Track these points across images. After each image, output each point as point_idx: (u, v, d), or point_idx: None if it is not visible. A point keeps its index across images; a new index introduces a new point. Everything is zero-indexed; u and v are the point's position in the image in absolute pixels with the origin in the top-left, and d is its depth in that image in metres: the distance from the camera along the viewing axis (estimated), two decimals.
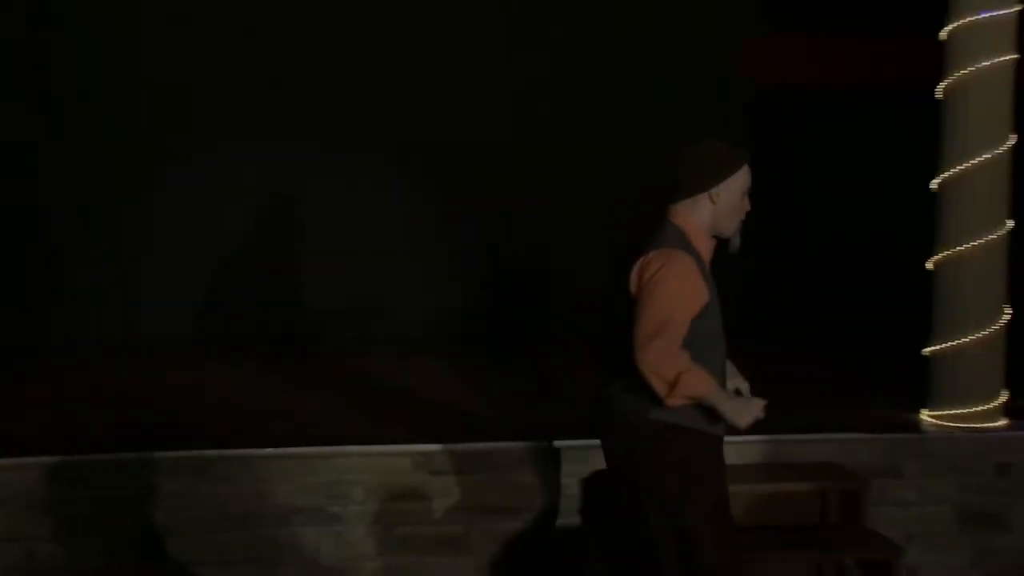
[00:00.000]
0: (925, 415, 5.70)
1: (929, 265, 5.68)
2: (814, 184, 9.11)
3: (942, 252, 5.61)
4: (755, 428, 5.44)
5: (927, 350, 5.69)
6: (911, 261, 5.97)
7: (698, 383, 3.52)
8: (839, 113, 8.89)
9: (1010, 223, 5.55)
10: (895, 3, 8.21)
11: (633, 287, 3.57)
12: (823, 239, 9.06)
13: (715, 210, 3.68)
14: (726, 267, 3.89)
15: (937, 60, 5.62)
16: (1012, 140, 5.51)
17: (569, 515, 5.18)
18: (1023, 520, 5.39)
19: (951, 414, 5.58)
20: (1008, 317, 5.57)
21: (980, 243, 5.50)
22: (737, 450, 5.32)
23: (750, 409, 3.61)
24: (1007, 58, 5.45)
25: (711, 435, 3.68)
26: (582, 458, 5.18)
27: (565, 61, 8.42)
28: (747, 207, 3.74)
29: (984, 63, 5.42)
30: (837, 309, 8.63)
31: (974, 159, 5.48)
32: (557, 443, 5.21)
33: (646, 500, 3.68)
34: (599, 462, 5.12)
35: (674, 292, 3.52)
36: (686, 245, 3.62)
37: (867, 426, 5.54)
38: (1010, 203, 5.57)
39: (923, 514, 5.37)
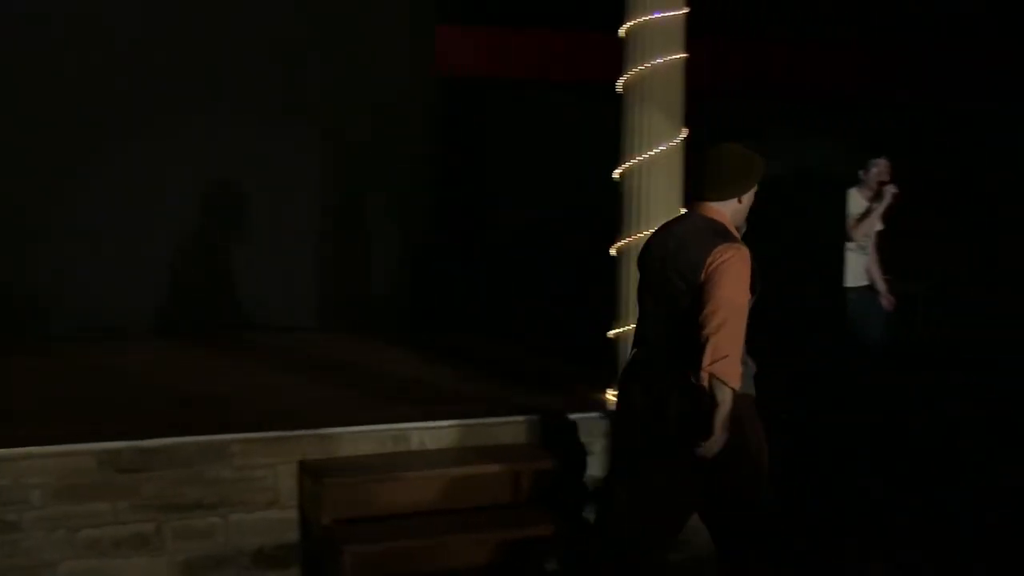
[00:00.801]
0: (611, 395, 5.96)
1: (612, 251, 5.95)
2: (503, 175, 9.38)
3: (623, 239, 5.89)
4: (446, 413, 5.58)
5: (611, 332, 5.95)
6: (597, 247, 6.23)
7: (736, 375, 3.93)
8: (525, 104, 9.17)
9: (683, 211, 5.87)
10: None
11: (702, 275, 4.00)
12: (513, 228, 9.34)
13: (739, 209, 4.24)
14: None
15: (619, 55, 5.89)
16: (684, 133, 5.85)
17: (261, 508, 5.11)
18: None
19: None
20: None
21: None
22: (430, 435, 5.42)
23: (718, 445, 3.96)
24: (678, 56, 5.78)
25: (750, 396, 4.15)
26: (274, 451, 5.12)
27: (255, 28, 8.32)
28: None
29: (659, 60, 5.72)
30: (526, 295, 8.93)
31: (651, 151, 5.78)
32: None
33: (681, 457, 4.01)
34: (299, 451, 5.11)
35: (744, 278, 4.01)
36: (734, 238, 4.14)
37: (557, 407, 5.74)
38: (682, 193, 5.90)
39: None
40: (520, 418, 5.60)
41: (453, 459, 5.37)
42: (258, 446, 5.14)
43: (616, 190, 5.91)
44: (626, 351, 5.84)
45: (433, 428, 5.44)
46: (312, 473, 5.09)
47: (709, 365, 3.90)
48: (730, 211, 4.23)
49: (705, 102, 6.36)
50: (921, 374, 8.84)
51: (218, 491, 5.06)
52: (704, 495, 4.17)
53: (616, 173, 5.91)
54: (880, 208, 8.04)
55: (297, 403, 5.90)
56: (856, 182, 8.12)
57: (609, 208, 5.94)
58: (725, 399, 3.92)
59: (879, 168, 8.03)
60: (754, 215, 4.33)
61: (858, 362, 7.88)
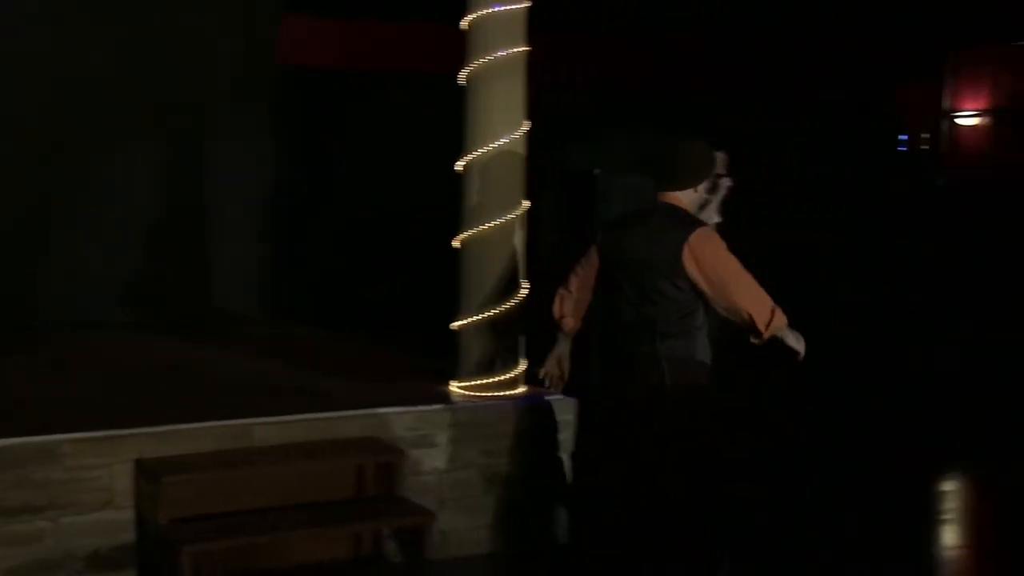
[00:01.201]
0: (454, 386, 5.98)
1: (456, 243, 5.97)
2: (354, 166, 9.31)
3: (467, 231, 5.91)
4: (289, 408, 5.52)
5: (455, 324, 5.97)
6: (444, 240, 6.22)
7: (782, 317, 4.62)
8: (374, 95, 9.12)
9: (526, 203, 5.95)
10: None
11: (687, 264, 4.55)
12: (361, 220, 9.28)
13: (696, 197, 4.86)
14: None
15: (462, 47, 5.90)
16: (526, 126, 5.90)
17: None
18: (537, 478, 5.80)
19: (477, 384, 5.89)
20: (526, 292, 5.97)
21: (500, 222, 5.83)
22: (276, 430, 5.35)
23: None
24: (520, 49, 5.82)
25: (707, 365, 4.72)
26: (109, 451, 4.98)
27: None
28: None
29: (501, 53, 5.75)
30: (373, 287, 8.89)
31: (494, 143, 5.80)
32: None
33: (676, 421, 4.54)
34: (135, 450, 4.97)
35: (727, 249, 4.65)
36: (700, 221, 4.75)
37: (401, 400, 5.72)
38: (525, 185, 5.96)
39: (453, 480, 5.63)
40: (364, 412, 5.56)
41: (296, 454, 5.30)
42: (91, 446, 4.97)
43: (460, 182, 5.93)
44: (471, 342, 5.89)
45: (275, 423, 5.36)
46: (149, 472, 4.96)
47: (766, 330, 4.56)
48: (688, 199, 4.81)
49: (545, 95, 6.43)
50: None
51: (48, 493, 4.88)
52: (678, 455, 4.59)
53: (459, 165, 5.92)
54: (716, 201, 8.24)
55: (134, 400, 5.75)
56: None
57: (457, 200, 5.95)
58: (787, 333, 4.62)
59: (717, 161, 8.23)
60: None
61: None
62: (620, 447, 4.75)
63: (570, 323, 5.08)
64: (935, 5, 11.38)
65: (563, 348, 5.13)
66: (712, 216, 8.28)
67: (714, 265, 4.57)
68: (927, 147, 13.15)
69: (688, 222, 4.67)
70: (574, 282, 5.02)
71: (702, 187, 4.88)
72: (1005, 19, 11.48)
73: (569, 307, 5.05)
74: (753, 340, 4.61)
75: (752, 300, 4.57)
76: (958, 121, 12.65)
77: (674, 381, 4.55)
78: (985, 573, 5.87)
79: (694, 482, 4.61)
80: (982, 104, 12.46)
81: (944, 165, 12.75)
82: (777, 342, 4.63)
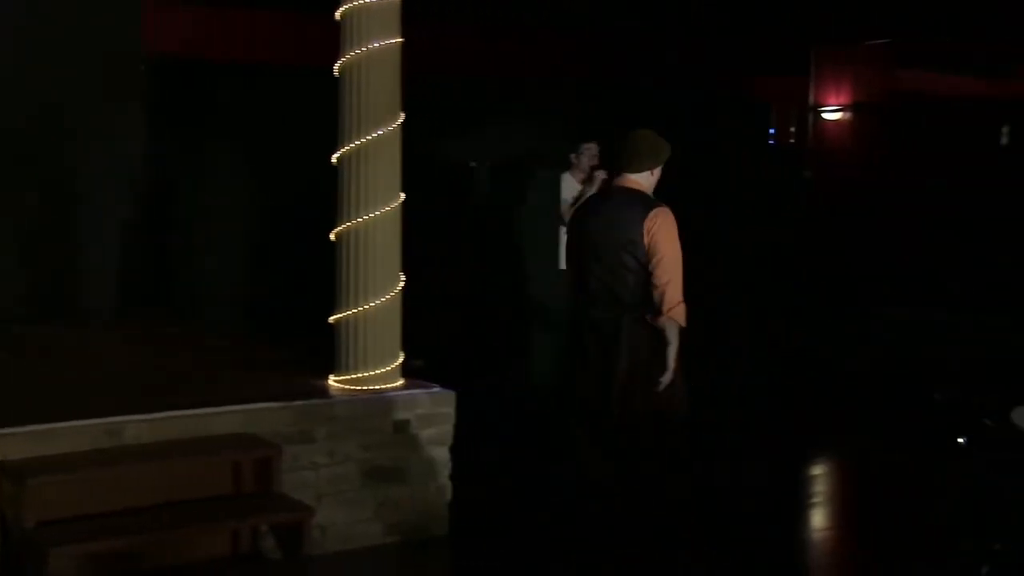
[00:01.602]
0: (333, 381, 5.94)
1: (332, 237, 5.92)
2: (227, 159, 9.14)
3: (344, 224, 5.86)
4: (163, 405, 5.40)
5: (332, 318, 5.92)
6: (323, 233, 6.16)
7: (684, 317, 5.17)
8: (246, 85, 8.96)
9: (402, 195, 5.93)
10: None
11: (648, 235, 5.15)
12: (236, 213, 9.13)
13: (652, 180, 5.39)
14: None
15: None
16: (402, 118, 5.88)
17: None
18: (416, 471, 5.81)
19: (355, 378, 5.86)
20: (403, 284, 5.96)
21: (378, 214, 5.80)
22: (149, 428, 5.24)
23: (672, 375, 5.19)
24: (394, 41, 5.80)
25: None
26: None
27: None
28: None
29: (375, 44, 5.72)
30: (252, 284, 8.76)
31: (370, 135, 5.77)
32: None
33: (638, 381, 5.16)
34: None
35: (676, 234, 5.23)
36: (657, 201, 5.28)
37: (279, 395, 5.65)
38: (401, 177, 5.94)
39: (332, 475, 5.60)
40: (240, 407, 5.49)
41: (170, 452, 5.20)
42: None
43: (335, 175, 5.88)
44: (348, 336, 5.85)
45: (148, 421, 5.25)
46: (13, 474, 4.81)
47: (668, 311, 5.10)
48: (646, 181, 5.36)
49: (422, 86, 6.41)
50: None
51: None
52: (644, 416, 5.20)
53: (334, 158, 5.87)
54: (591, 192, 8.35)
55: None
56: (568, 166, 8.40)
57: (332, 193, 5.89)
58: (676, 337, 5.13)
59: (590, 152, 8.31)
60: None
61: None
62: (589, 399, 5.36)
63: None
64: (800, 1, 11.70)
65: None
66: None
67: (661, 239, 5.18)
68: (794, 141, 13.51)
69: (649, 202, 5.28)
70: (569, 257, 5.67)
71: (657, 170, 5.39)
72: (864, 17, 11.87)
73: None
74: (649, 316, 5.16)
75: (671, 284, 5.16)
76: (823, 116, 13.01)
77: (636, 343, 5.19)
78: (850, 553, 6.07)
79: (658, 432, 5.23)
80: (844, 99, 12.85)
81: (810, 159, 13.10)
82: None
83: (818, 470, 7.52)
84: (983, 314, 11.10)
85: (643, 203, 5.25)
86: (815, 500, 6.85)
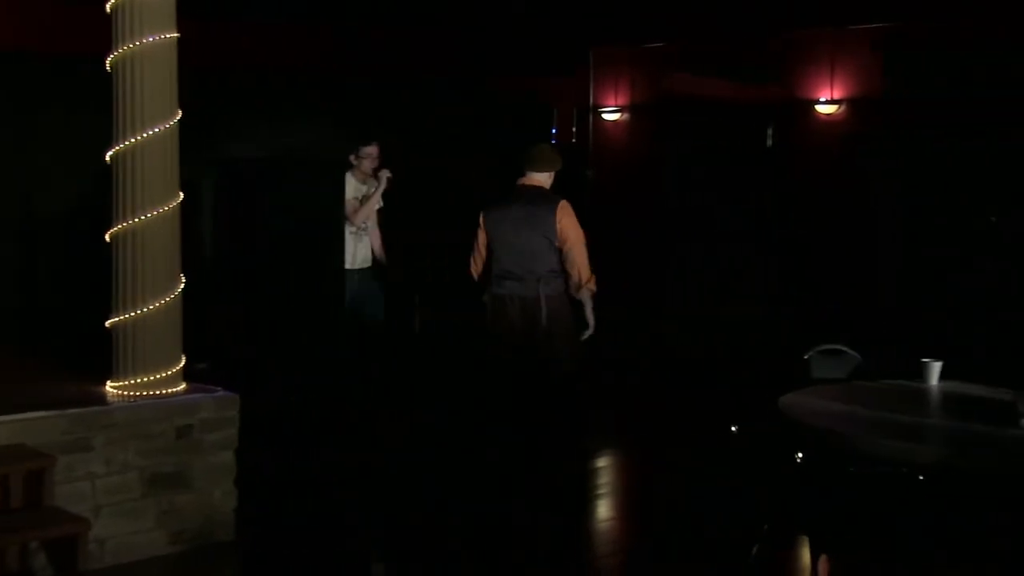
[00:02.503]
0: (110, 387, 5.72)
1: (107, 238, 5.70)
2: None
3: (119, 225, 5.66)
4: None
5: (109, 322, 5.71)
6: (95, 236, 5.91)
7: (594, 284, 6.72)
8: (10, 75, 8.47)
9: (180, 195, 5.77)
10: None
11: (559, 223, 6.58)
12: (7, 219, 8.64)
13: (550, 181, 6.80)
14: None
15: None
16: (179, 115, 5.71)
17: None
18: (201, 476, 5.68)
19: (134, 383, 5.67)
20: (183, 285, 5.80)
21: (155, 215, 5.63)
22: None
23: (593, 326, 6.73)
24: (170, 35, 5.63)
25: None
26: None
27: None
28: None
29: (149, 38, 5.54)
30: (24, 291, 8.33)
31: (146, 132, 5.59)
32: None
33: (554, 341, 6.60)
34: None
35: (577, 220, 6.68)
36: (559, 196, 6.69)
37: (53, 403, 5.40)
38: (179, 176, 5.77)
39: (111, 484, 5.40)
40: (9, 417, 5.21)
41: None
42: None
43: (110, 174, 5.67)
44: (126, 340, 5.65)
45: None
46: None
47: (587, 283, 6.61)
48: (548, 181, 6.79)
49: (203, 82, 6.25)
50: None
51: None
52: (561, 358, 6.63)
53: (108, 156, 5.66)
54: (377, 193, 8.37)
55: None
56: (350, 166, 8.39)
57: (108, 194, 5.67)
58: (591, 301, 6.60)
59: (370, 154, 8.35)
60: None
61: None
62: (514, 348, 6.63)
63: (482, 276, 6.90)
64: (578, 2, 11.96)
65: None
66: (374, 207, 8.41)
67: (569, 228, 6.59)
68: (574, 140, 13.80)
69: (554, 197, 6.68)
70: (477, 248, 6.85)
71: (553, 174, 6.78)
72: (639, 19, 12.25)
73: (479, 265, 6.88)
74: (572, 292, 6.59)
75: (583, 262, 6.61)
76: (603, 116, 13.36)
77: (550, 309, 6.56)
78: (631, 542, 6.28)
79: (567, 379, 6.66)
80: (621, 100, 13.24)
81: (591, 157, 13.44)
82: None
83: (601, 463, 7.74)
84: (756, 308, 11.69)
85: (550, 198, 6.66)
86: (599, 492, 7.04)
